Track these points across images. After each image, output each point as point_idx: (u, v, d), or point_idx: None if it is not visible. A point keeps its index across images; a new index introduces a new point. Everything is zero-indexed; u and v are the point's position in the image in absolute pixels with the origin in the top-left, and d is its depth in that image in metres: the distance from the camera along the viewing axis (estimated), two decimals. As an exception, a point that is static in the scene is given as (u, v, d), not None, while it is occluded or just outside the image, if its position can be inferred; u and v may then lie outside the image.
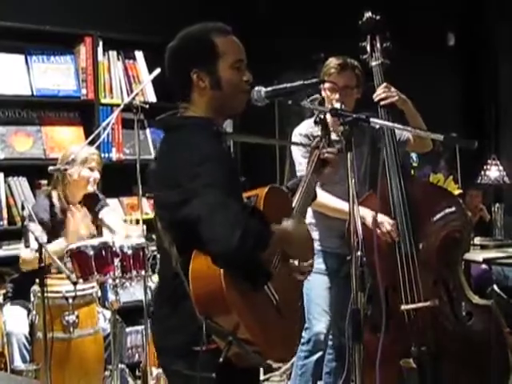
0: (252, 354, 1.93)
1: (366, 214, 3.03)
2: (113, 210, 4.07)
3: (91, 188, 3.79)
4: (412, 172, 5.20)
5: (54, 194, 3.76)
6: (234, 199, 1.92)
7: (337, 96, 3.25)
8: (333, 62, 3.33)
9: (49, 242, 3.55)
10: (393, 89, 3.19)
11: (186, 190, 1.90)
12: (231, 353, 1.92)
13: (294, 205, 2.20)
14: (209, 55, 2.05)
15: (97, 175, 3.81)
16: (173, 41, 2.14)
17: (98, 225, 3.87)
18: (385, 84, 3.19)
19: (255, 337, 1.91)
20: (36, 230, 3.28)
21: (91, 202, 3.87)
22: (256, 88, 2.15)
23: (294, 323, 2.14)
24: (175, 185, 1.93)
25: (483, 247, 4.64)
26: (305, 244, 2.12)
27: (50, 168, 3.70)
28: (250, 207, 2.09)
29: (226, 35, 2.09)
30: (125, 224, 4.06)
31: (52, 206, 3.72)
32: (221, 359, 1.89)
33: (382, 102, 3.17)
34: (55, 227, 3.69)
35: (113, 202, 4.55)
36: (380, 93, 3.18)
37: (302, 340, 3.49)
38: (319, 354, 3.45)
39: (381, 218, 3.08)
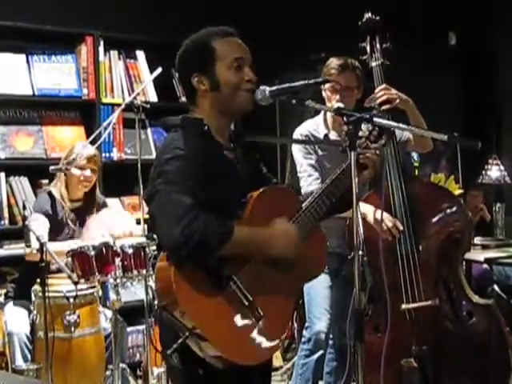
0: (207, 351, 1.96)
1: (368, 210, 3.03)
2: (111, 211, 4.06)
3: (83, 188, 3.78)
4: (416, 172, 5.20)
5: (55, 191, 3.77)
6: (192, 197, 1.97)
7: (337, 96, 3.26)
8: (333, 62, 3.33)
9: (50, 237, 3.57)
10: (393, 90, 3.17)
11: (152, 187, 2.05)
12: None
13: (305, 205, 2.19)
14: (206, 59, 2.14)
15: (87, 173, 3.75)
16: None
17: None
18: (384, 86, 3.17)
19: (209, 334, 1.94)
20: (39, 225, 3.31)
21: (92, 204, 3.87)
22: (260, 87, 2.16)
23: (275, 326, 2.09)
24: (151, 182, 2.08)
25: (484, 247, 4.65)
26: (289, 247, 2.08)
27: (51, 168, 3.70)
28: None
29: (225, 37, 2.17)
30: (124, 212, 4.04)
31: (53, 202, 3.72)
32: (169, 351, 1.98)
33: (384, 107, 3.14)
34: (57, 223, 3.69)
35: (114, 202, 4.55)
36: (380, 95, 3.16)
37: (303, 339, 3.50)
38: (320, 352, 3.44)
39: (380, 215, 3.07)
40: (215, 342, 1.95)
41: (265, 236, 2.07)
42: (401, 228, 3.10)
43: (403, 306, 3.08)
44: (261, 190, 2.15)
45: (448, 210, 3.23)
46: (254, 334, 2.04)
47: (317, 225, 2.22)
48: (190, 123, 2.17)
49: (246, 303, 2.03)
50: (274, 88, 2.15)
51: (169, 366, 2.15)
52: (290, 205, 2.20)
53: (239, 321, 2.02)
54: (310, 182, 3.31)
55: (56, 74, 4.45)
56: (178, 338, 1.98)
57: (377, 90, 3.18)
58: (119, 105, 3.99)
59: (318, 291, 3.43)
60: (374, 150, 2.23)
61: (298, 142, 3.44)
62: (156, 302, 2.07)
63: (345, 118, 2.10)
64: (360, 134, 2.25)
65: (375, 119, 2.12)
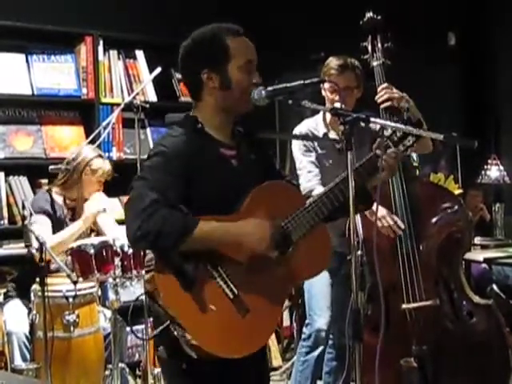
0: (185, 341, 1.97)
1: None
2: (106, 212, 4.07)
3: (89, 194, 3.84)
4: (417, 172, 5.18)
5: (58, 191, 3.77)
6: (159, 193, 1.98)
7: (337, 97, 3.25)
8: (333, 62, 3.32)
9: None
10: (394, 89, 3.17)
11: (132, 181, 2.08)
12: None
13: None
14: (220, 56, 2.11)
15: (101, 187, 3.90)
16: (186, 40, 2.19)
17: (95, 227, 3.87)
18: (386, 85, 3.16)
19: (188, 324, 1.96)
20: (40, 227, 3.32)
21: None
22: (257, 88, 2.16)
23: (261, 322, 2.09)
24: None
25: (484, 247, 4.65)
26: (261, 242, 2.05)
27: (51, 167, 3.71)
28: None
29: (237, 36, 2.15)
30: (118, 226, 4.04)
31: (52, 201, 3.73)
32: (150, 336, 2.11)
33: (385, 104, 3.14)
34: (56, 221, 3.70)
35: (113, 202, 4.54)
36: (382, 94, 3.15)
37: (303, 336, 3.51)
38: (320, 349, 3.45)
39: (382, 212, 3.06)
40: (193, 333, 1.96)
41: (233, 231, 2.04)
42: (402, 226, 3.09)
43: (403, 306, 3.09)
44: (262, 184, 2.15)
45: (448, 210, 3.23)
46: (238, 327, 2.04)
47: (320, 223, 2.19)
48: (184, 121, 2.18)
49: (231, 296, 2.03)
50: (271, 88, 2.15)
51: (158, 356, 2.18)
52: (291, 202, 2.19)
53: (222, 313, 2.02)
54: (309, 178, 3.30)
55: (55, 74, 4.45)
56: (161, 324, 2.01)
57: (379, 89, 3.17)
58: (118, 104, 3.99)
59: (319, 289, 3.44)
60: (392, 154, 2.21)
61: (304, 138, 3.42)
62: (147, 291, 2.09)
63: (341, 118, 2.10)
64: (386, 133, 2.24)
65: (372, 119, 2.11)
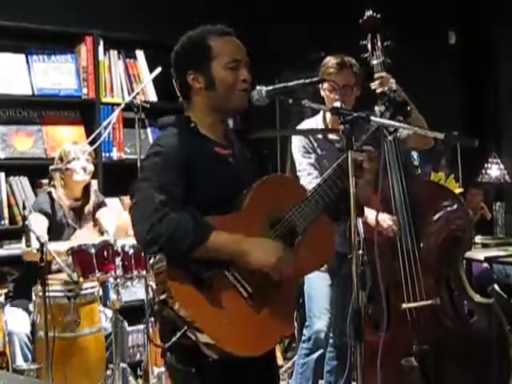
0: (204, 344, 1.96)
1: (367, 212, 3.02)
2: (109, 211, 4.07)
3: (87, 177, 3.82)
4: (419, 171, 5.18)
5: (55, 192, 3.77)
6: (165, 193, 1.97)
7: (337, 96, 3.25)
8: (331, 61, 3.32)
9: (52, 239, 3.58)
10: (391, 79, 3.15)
11: (134, 183, 2.08)
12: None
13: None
14: (202, 57, 2.14)
15: (92, 167, 3.85)
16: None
17: (97, 224, 3.88)
18: (383, 73, 3.15)
19: (206, 327, 1.94)
20: (38, 225, 3.31)
21: (89, 199, 3.88)
22: (257, 87, 2.16)
23: (278, 315, 2.08)
24: None
25: (484, 246, 4.64)
26: (268, 261, 2.03)
27: (51, 167, 3.71)
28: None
29: (222, 36, 2.17)
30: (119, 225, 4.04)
31: (53, 202, 3.73)
32: (167, 345, 2.00)
33: (378, 90, 3.12)
34: (57, 224, 3.70)
35: (114, 202, 4.55)
36: (377, 82, 3.15)
37: (303, 338, 3.50)
38: (320, 351, 3.45)
39: (381, 216, 3.07)
40: (212, 335, 1.94)
41: (243, 246, 2.02)
42: (397, 225, 3.09)
43: (404, 305, 3.08)
44: (263, 178, 2.14)
45: (449, 209, 3.23)
46: (256, 325, 2.03)
47: (322, 213, 2.19)
48: (178, 121, 2.18)
49: (246, 295, 2.03)
50: (271, 88, 2.15)
51: (166, 362, 2.16)
52: (293, 194, 2.19)
53: (238, 313, 2.01)
54: (309, 180, 3.31)
55: (56, 74, 4.45)
56: (176, 331, 1.97)
57: (376, 75, 3.16)
58: (119, 104, 3.98)
59: (318, 290, 3.44)
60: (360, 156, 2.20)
61: (299, 132, 3.43)
62: (156, 298, 2.06)
63: (341, 118, 2.09)
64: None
65: (372, 118, 2.11)
